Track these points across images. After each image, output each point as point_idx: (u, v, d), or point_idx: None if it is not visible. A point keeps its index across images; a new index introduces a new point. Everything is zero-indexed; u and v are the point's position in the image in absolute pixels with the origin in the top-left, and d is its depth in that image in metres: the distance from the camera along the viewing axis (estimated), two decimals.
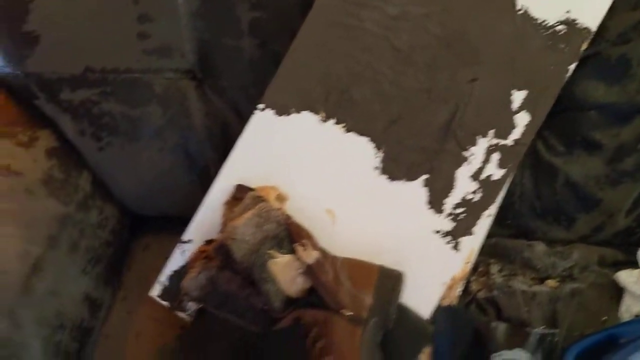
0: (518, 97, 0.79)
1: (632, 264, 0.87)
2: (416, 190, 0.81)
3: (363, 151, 0.82)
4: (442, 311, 0.81)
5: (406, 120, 0.81)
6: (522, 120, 0.79)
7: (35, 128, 0.93)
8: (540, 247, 0.90)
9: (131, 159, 0.96)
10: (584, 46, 0.78)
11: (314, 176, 0.83)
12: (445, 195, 0.81)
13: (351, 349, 0.70)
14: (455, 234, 0.80)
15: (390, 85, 0.81)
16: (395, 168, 0.82)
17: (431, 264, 0.81)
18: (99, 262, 0.95)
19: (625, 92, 0.81)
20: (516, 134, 0.80)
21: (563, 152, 0.87)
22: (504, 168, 0.80)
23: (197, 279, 0.77)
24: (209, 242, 0.83)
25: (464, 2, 0.81)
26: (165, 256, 0.88)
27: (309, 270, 0.74)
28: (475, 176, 0.80)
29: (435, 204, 0.81)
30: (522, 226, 0.93)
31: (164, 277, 0.88)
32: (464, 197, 0.80)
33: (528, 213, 0.92)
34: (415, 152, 0.81)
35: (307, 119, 0.83)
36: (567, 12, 0.78)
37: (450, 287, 0.81)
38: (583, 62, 0.79)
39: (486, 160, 0.80)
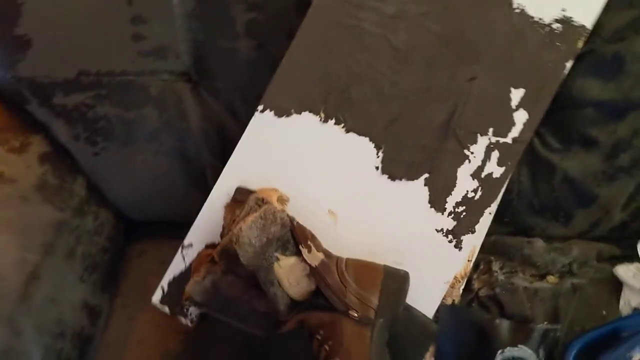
0: (516, 95, 0.80)
1: (628, 258, 0.88)
2: (417, 189, 0.81)
3: (363, 151, 0.82)
4: (445, 310, 0.81)
5: (406, 119, 0.81)
6: (520, 118, 0.80)
7: (27, 133, 0.92)
8: (539, 243, 0.90)
9: (127, 162, 0.95)
10: (581, 44, 0.79)
11: (314, 177, 0.82)
12: (446, 194, 0.81)
13: (360, 350, 0.69)
14: (457, 233, 0.80)
15: (389, 85, 0.81)
16: (396, 168, 0.82)
17: (434, 263, 0.81)
18: (96, 269, 0.93)
19: (620, 88, 0.82)
20: (515, 131, 0.80)
21: (560, 149, 0.87)
22: (504, 166, 0.80)
23: (202, 283, 0.76)
24: (209, 245, 0.82)
25: (461, 1, 0.81)
26: (161, 261, 0.87)
27: (314, 272, 0.74)
28: (476, 174, 0.80)
29: (437, 202, 0.81)
30: (520, 223, 0.94)
31: (164, 282, 0.86)
32: (464, 196, 0.80)
33: (526, 210, 0.92)
34: (416, 151, 0.81)
35: (306, 119, 0.82)
36: (563, 10, 0.79)
37: (452, 286, 0.81)
38: (579, 59, 0.80)
39: (486, 158, 0.80)
